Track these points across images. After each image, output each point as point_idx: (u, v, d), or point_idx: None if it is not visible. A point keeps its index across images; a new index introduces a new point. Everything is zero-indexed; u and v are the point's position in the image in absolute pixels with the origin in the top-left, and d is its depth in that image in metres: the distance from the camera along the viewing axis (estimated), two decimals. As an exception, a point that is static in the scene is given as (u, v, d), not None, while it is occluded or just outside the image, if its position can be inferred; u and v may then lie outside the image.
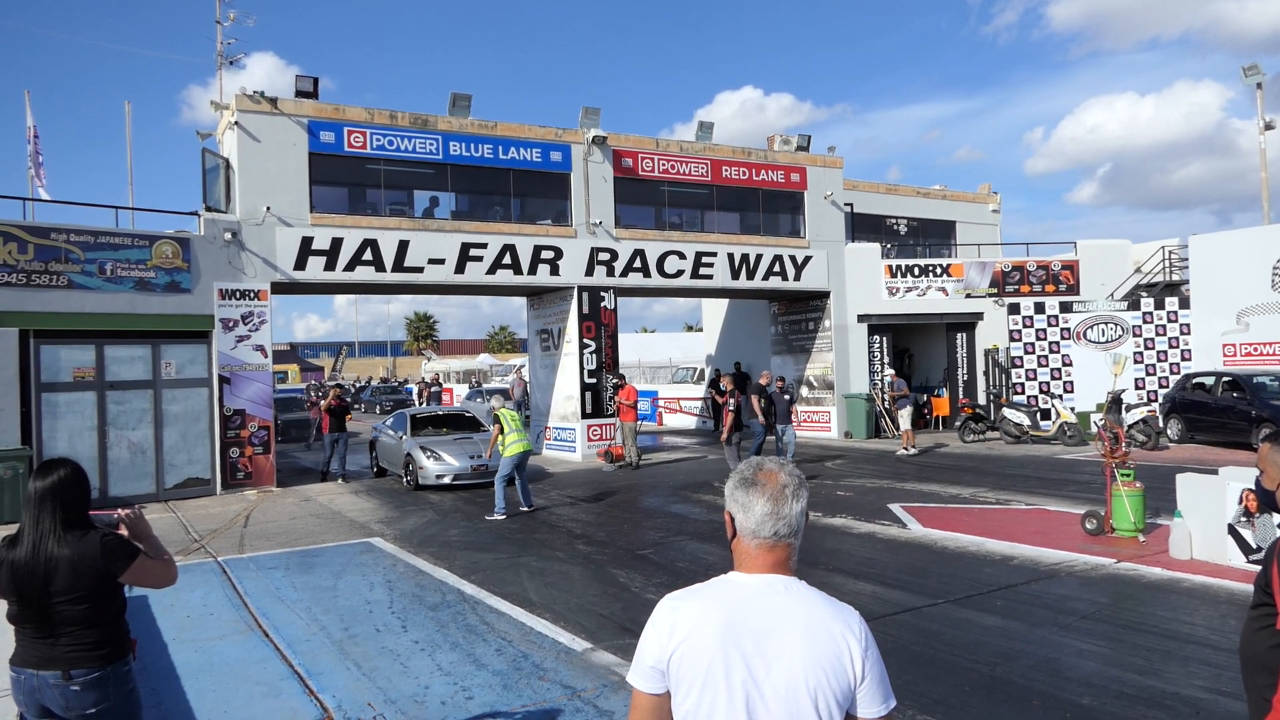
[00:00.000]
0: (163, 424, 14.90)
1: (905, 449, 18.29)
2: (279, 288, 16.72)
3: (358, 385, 56.01)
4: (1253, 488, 3.14)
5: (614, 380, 19.14)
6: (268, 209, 16.08)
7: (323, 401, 17.12)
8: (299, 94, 16.70)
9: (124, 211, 15.52)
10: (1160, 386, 20.46)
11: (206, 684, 5.96)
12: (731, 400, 15.13)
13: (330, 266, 16.73)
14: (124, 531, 3.24)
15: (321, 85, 17.06)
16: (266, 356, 15.94)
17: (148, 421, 14.79)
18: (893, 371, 20.89)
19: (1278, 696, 2.50)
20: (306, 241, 16.45)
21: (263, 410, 15.81)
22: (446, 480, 14.97)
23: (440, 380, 45.07)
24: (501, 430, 12.56)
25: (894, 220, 26.94)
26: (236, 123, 16.01)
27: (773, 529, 1.95)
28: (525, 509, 12.53)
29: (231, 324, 15.55)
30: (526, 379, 24.73)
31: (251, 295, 15.79)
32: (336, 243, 16.74)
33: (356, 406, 48.28)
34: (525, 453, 12.57)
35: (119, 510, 3.27)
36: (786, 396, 16.53)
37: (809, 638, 1.86)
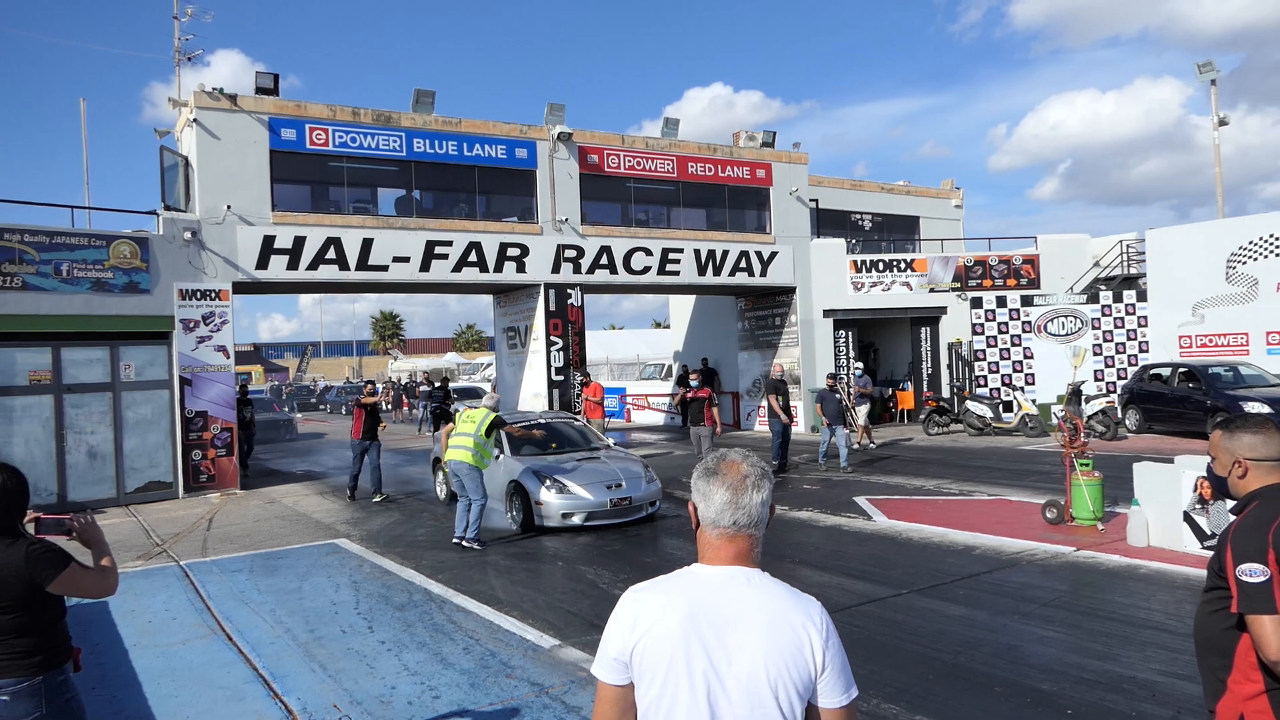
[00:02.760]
0: (122, 427, 14.63)
1: (861, 443, 18.45)
2: (241, 287, 16.47)
3: (321, 385, 55.12)
4: (1206, 475, 3.20)
5: (580, 377, 19.11)
6: (228, 207, 15.84)
7: (365, 399, 14.10)
8: (259, 90, 16.46)
9: (80, 211, 15.32)
10: (1119, 378, 20.86)
11: (169, 689, 5.87)
12: (699, 393, 15.06)
13: (293, 265, 16.52)
14: (64, 538, 3.18)
15: (289, 83, 16.90)
16: (229, 357, 15.72)
17: (107, 424, 14.51)
18: (861, 366, 21.03)
19: (1231, 678, 2.55)
20: (268, 240, 16.23)
21: (225, 412, 15.57)
22: (576, 521, 10.65)
23: (434, 380, 41.34)
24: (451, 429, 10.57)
25: (859, 216, 27.17)
26: (195, 120, 15.74)
27: (732, 518, 1.97)
28: (454, 539, 10.13)
29: (192, 325, 15.31)
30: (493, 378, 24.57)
31: (212, 295, 15.55)
32: (299, 241, 16.53)
33: (322, 408, 47.29)
34: (468, 466, 10.05)
35: (71, 515, 3.23)
36: (837, 396, 16.00)
37: (770, 629, 1.88)
